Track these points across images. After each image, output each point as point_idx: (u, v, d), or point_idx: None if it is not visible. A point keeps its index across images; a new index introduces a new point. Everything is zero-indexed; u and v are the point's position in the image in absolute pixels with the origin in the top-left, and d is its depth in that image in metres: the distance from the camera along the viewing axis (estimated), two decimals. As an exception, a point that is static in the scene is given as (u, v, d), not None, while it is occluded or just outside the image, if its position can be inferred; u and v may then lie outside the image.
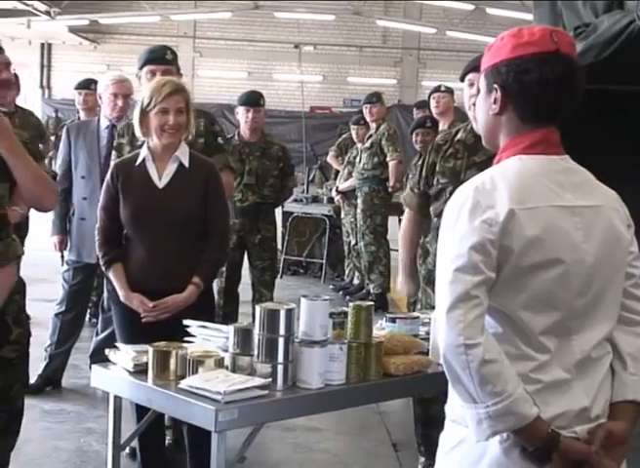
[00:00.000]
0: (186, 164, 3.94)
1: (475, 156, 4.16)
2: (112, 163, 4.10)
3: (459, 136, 4.29)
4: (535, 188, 2.19)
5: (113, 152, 4.73)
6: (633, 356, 2.28)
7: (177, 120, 3.86)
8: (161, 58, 4.62)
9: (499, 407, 2.09)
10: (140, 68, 4.63)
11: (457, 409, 2.22)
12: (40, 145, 4.87)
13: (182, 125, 3.90)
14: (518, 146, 2.24)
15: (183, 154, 3.96)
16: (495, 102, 2.26)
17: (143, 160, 3.94)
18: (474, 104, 4.05)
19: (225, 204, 4.13)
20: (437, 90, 7.79)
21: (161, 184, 3.92)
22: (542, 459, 2.14)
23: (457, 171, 4.20)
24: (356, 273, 9.87)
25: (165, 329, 3.47)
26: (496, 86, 2.24)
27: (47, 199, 3.47)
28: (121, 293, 3.87)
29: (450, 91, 7.61)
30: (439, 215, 4.26)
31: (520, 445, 2.15)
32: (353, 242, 9.64)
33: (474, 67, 4.09)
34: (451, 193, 4.10)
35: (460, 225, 2.14)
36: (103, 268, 3.99)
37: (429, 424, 4.38)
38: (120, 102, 5.72)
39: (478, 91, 2.37)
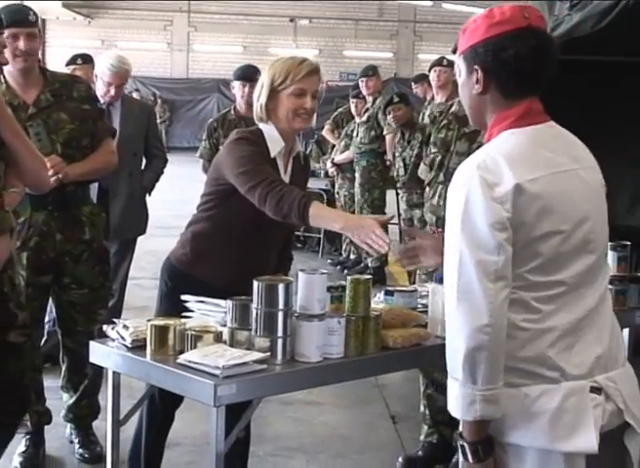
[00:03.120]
0: (302, 160, 3.61)
1: (465, 127, 4.30)
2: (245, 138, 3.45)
3: (452, 109, 4.46)
4: (533, 159, 2.26)
5: None
6: None
7: (313, 104, 3.42)
8: (24, 20, 4.07)
9: (492, 392, 2.18)
10: None
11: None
12: None
13: (315, 110, 3.45)
14: (506, 121, 2.32)
15: (299, 148, 3.58)
16: (477, 82, 2.34)
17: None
18: None
19: None
20: (439, 63, 7.81)
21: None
22: (486, 455, 2.24)
23: (447, 141, 4.38)
24: (352, 248, 9.87)
25: None
26: (476, 67, 2.33)
27: (44, 180, 3.44)
28: (340, 224, 3.18)
29: (451, 64, 7.61)
30: (430, 185, 4.42)
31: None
32: None
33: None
34: (440, 162, 4.33)
35: (474, 205, 2.18)
36: (300, 209, 3.17)
37: (436, 388, 4.43)
38: (112, 92, 5.75)
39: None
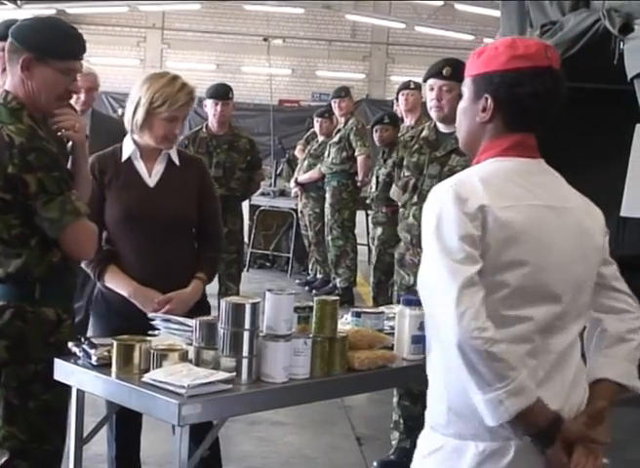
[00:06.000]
0: (177, 161, 3.68)
1: (436, 151, 4.52)
2: (92, 157, 3.60)
3: (423, 134, 4.66)
4: (510, 188, 2.24)
5: None
6: (618, 337, 2.36)
7: (180, 128, 3.65)
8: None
9: (515, 384, 2.10)
10: None
11: (435, 415, 2.25)
12: None
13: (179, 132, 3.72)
14: (495, 149, 2.31)
15: (173, 151, 3.69)
16: (483, 111, 2.31)
17: (130, 157, 3.65)
18: (433, 107, 4.47)
19: (218, 201, 3.86)
20: (406, 87, 7.87)
21: (152, 183, 3.64)
22: (547, 443, 2.16)
23: (420, 164, 4.58)
24: (318, 267, 9.88)
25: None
26: (487, 95, 2.30)
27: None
28: (129, 291, 3.56)
29: (418, 87, 7.67)
30: (405, 206, 4.66)
31: (495, 455, 2.17)
32: (311, 235, 9.67)
33: (435, 73, 4.34)
34: (414, 185, 4.45)
35: (446, 218, 2.17)
36: (95, 274, 3.60)
37: (411, 399, 4.62)
38: (82, 96, 5.68)
39: (458, 95, 2.43)
